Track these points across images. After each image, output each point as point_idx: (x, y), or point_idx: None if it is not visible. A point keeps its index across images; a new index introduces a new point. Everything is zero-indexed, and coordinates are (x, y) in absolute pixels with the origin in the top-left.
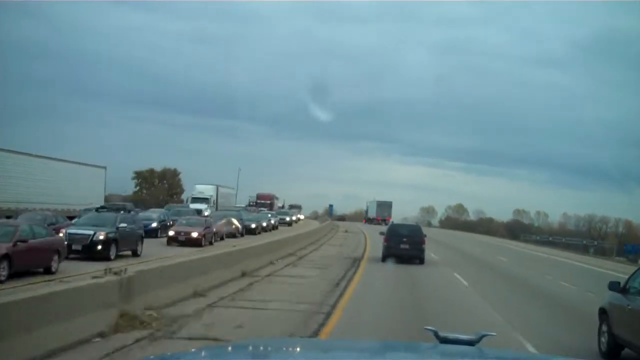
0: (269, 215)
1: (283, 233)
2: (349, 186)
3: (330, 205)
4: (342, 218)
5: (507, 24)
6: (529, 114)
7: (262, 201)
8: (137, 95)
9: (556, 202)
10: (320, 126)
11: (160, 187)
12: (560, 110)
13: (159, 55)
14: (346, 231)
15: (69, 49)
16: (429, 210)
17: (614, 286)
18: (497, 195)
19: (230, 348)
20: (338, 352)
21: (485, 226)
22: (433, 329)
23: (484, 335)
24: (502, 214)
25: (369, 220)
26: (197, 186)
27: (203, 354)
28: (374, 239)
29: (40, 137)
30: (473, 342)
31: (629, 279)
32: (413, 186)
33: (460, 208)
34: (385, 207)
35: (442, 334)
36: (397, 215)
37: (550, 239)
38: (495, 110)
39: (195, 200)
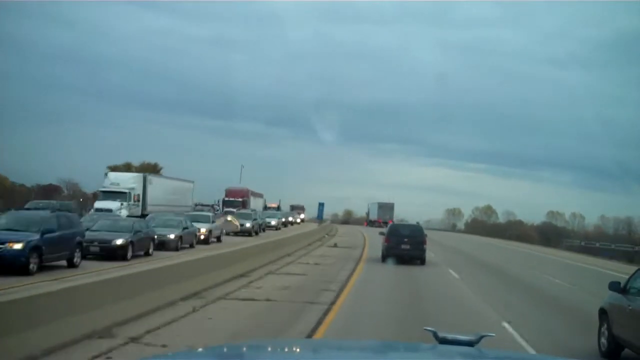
0: (228, 218)
1: (243, 243)
2: (367, 189)
3: (320, 204)
4: (346, 221)
5: (530, 25)
6: (552, 115)
7: (232, 199)
8: (155, 98)
9: (583, 204)
10: (339, 128)
11: None
12: (584, 110)
13: (181, 59)
14: (335, 245)
15: (93, 54)
16: (454, 212)
17: (614, 286)
18: (522, 196)
19: (229, 349)
20: (338, 352)
21: (515, 229)
22: (432, 329)
23: (483, 336)
24: (533, 216)
25: (370, 223)
26: (111, 174)
27: (203, 354)
28: (371, 266)
29: (67, 140)
30: (472, 342)
31: (629, 279)
32: (434, 188)
33: (488, 210)
34: (386, 208)
35: (441, 334)
36: (420, 218)
37: (598, 245)
38: (518, 111)
39: (107, 195)
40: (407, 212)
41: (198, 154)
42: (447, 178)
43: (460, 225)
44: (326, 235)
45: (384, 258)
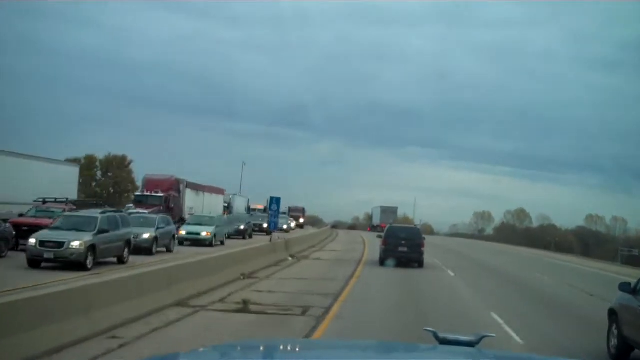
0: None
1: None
2: (394, 192)
3: (273, 200)
4: (352, 227)
5: (558, 26)
6: (581, 116)
7: (148, 193)
8: (186, 102)
9: (623, 207)
10: (366, 132)
11: (106, 180)
12: (612, 112)
13: (211, 63)
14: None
15: (122, 57)
16: (484, 216)
17: (624, 287)
18: (555, 199)
19: (229, 348)
20: (337, 352)
21: (550, 234)
22: (433, 330)
23: (483, 337)
24: (570, 220)
25: (373, 228)
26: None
27: (203, 354)
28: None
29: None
30: (473, 343)
31: (639, 280)
32: (460, 192)
33: (521, 214)
34: (390, 212)
35: (441, 335)
36: (445, 222)
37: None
38: (546, 113)
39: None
40: (431, 215)
41: (223, 158)
42: (474, 181)
43: (490, 230)
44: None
45: (381, 261)
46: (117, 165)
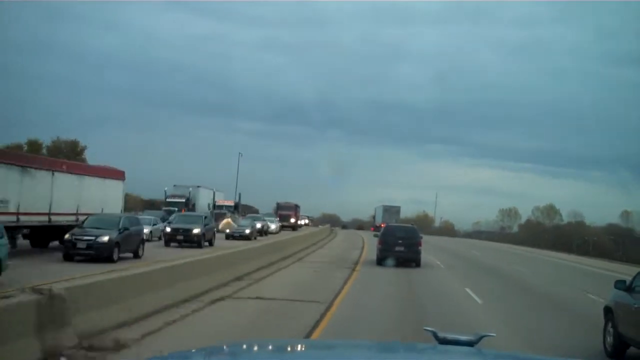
0: None
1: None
2: (415, 190)
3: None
4: (360, 227)
5: (584, 22)
6: (604, 114)
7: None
8: (202, 102)
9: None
10: (386, 129)
11: None
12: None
13: (230, 64)
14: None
15: (142, 59)
16: (510, 213)
17: (620, 285)
18: (582, 196)
19: (229, 348)
20: (337, 352)
21: (578, 232)
22: (432, 329)
23: (483, 336)
24: (603, 217)
25: (377, 228)
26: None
27: (203, 353)
28: None
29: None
30: (472, 342)
31: (635, 277)
32: (484, 189)
33: (550, 210)
34: (392, 212)
35: (441, 334)
36: (468, 220)
37: None
38: (570, 111)
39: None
40: (453, 213)
41: (247, 158)
42: (497, 179)
43: (515, 227)
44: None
45: (378, 261)
46: (68, 152)
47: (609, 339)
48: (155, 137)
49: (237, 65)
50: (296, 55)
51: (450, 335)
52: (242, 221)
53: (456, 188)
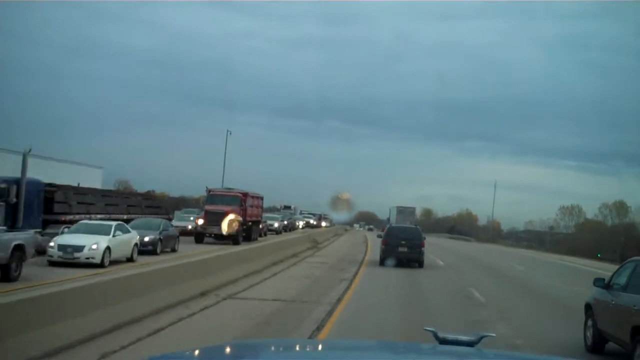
0: None
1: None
2: (453, 188)
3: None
4: (371, 228)
5: (625, 17)
6: None
7: None
8: (240, 99)
9: None
10: (423, 126)
11: None
12: None
13: (265, 61)
14: None
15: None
16: (572, 211)
17: (599, 283)
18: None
19: (229, 348)
20: (338, 352)
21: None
22: (432, 329)
23: (483, 336)
24: None
25: None
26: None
27: (203, 353)
28: None
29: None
30: (472, 343)
31: (613, 275)
32: (526, 187)
33: (620, 208)
34: (406, 213)
35: (441, 334)
36: (519, 220)
37: None
38: (612, 107)
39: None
40: (502, 211)
41: (285, 155)
42: (540, 177)
43: (571, 227)
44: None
45: (382, 261)
46: None
47: (589, 335)
48: (184, 135)
49: (272, 62)
50: (329, 52)
51: (451, 335)
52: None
53: (499, 186)
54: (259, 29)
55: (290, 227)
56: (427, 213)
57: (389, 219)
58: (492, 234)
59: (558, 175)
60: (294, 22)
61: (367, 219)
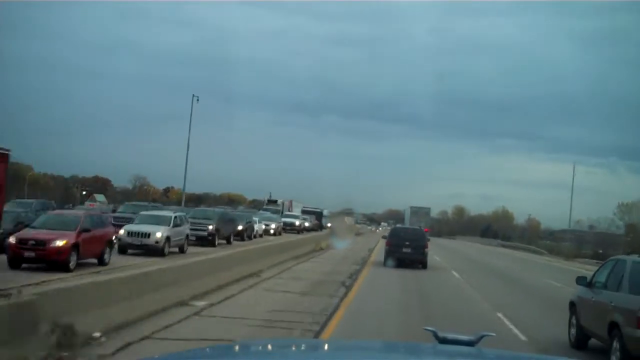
0: None
1: None
2: (486, 186)
3: None
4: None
5: None
6: None
7: None
8: (272, 98)
9: None
10: (455, 124)
11: None
12: None
13: (299, 58)
14: None
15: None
16: (631, 208)
17: (581, 281)
18: None
19: (229, 348)
20: (338, 352)
21: None
22: (432, 329)
23: (483, 336)
24: None
25: None
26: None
27: (203, 353)
28: None
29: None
30: (472, 342)
31: (594, 273)
32: (564, 185)
33: None
34: (420, 214)
35: (441, 334)
36: (562, 219)
37: None
38: None
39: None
40: (540, 209)
41: (316, 153)
42: (577, 174)
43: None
44: None
45: (386, 262)
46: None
47: (573, 331)
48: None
49: (307, 59)
50: (364, 49)
51: (451, 335)
52: None
53: (528, 184)
54: (292, 26)
55: (248, 234)
56: (459, 211)
57: (403, 220)
58: (530, 233)
59: (590, 173)
60: (329, 19)
61: (396, 217)
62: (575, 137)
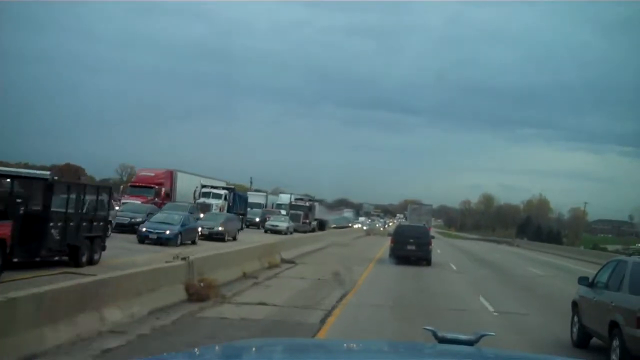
0: None
1: None
2: (505, 176)
3: None
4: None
5: None
6: None
7: None
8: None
9: None
10: (473, 114)
11: None
12: None
13: (316, 50)
14: None
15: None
16: None
17: (583, 281)
18: None
19: (230, 348)
20: (338, 352)
21: None
22: (432, 328)
23: (482, 335)
24: None
25: None
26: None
27: (203, 354)
28: None
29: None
30: (472, 342)
31: (596, 274)
32: (583, 175)
33: None
34: (421, 212)
35: (440, 333)
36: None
37: None
38: None
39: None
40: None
41: (329, 144)
42: (595, 164)
43: None
44: None
45: (390, 257)
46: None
47: (575, 330)
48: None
49: (323, 50)
50: (381, 39)
51: (450, 335)
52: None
53: (548, 173)
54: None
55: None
56: (487, 200)
57: (405, 217)
58: (577, 225)
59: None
60: (343, 10)
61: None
62: (596, 126)
